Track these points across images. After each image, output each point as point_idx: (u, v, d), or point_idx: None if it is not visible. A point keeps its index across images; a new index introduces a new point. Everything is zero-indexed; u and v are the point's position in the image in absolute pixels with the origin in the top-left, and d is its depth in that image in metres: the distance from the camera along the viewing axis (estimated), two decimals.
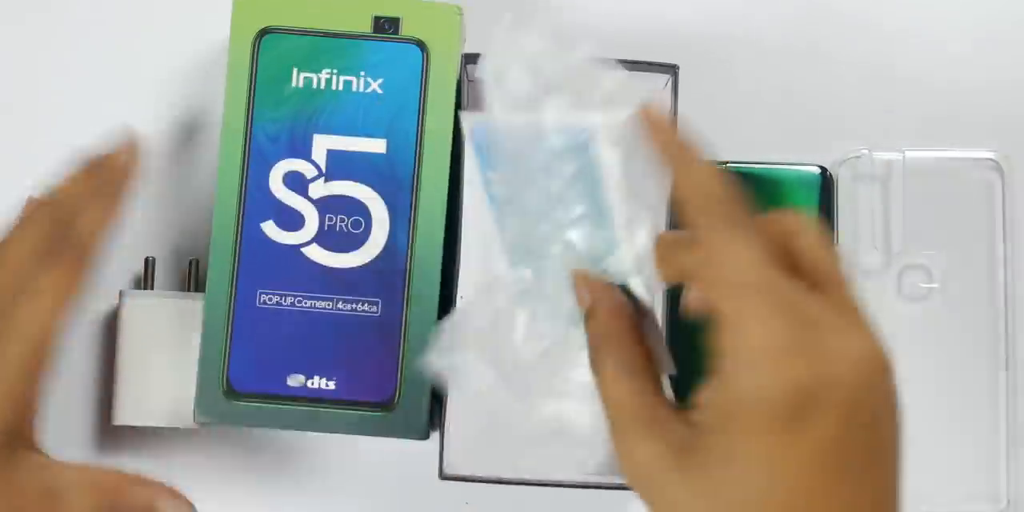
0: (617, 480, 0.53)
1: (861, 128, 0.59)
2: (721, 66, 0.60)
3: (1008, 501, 0.56)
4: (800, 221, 0.39)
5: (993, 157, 0.58)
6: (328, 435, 0.55)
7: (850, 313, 0.37)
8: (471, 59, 0.54)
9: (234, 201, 0.53)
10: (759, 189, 0.57)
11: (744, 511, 0.36)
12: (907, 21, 0.61)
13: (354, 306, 0.52)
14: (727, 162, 0.57)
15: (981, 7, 0.61)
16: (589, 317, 0.41)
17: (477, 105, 0.57)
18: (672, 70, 0.54)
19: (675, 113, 0.54)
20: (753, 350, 0.36)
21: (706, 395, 0.37)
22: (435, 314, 0.52)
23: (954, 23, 0.61)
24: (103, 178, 0.46)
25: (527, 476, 0.55)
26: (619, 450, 0.39)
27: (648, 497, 0.38)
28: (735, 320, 0.36)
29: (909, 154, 0.57)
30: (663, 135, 0.40)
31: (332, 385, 0.52)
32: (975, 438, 0.56)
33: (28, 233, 0.45)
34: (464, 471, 0.54)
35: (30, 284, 0.44)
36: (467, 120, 0.46)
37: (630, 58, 0.53)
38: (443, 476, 0.53)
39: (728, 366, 0.36)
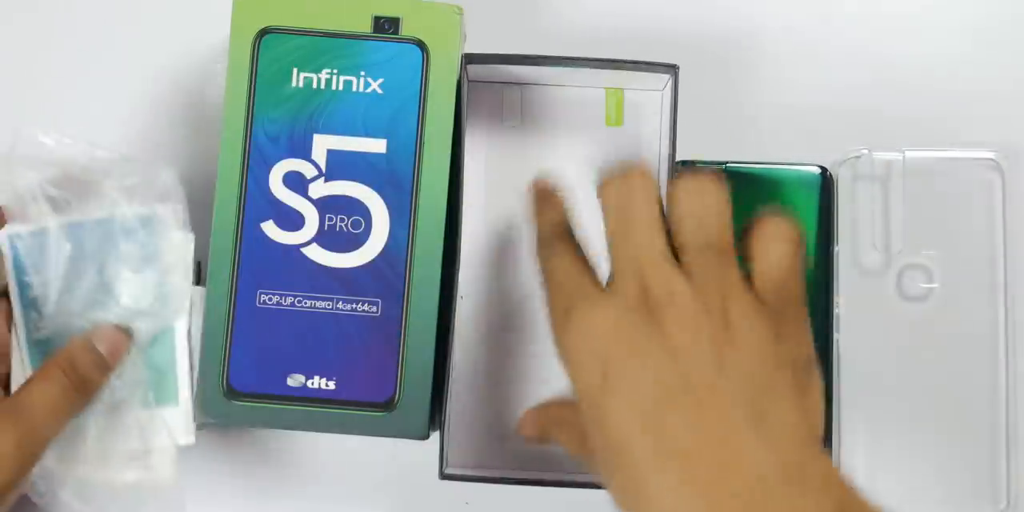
0: None
1: (861, 128, 0.59)
2: (722, 66, 0.60)
3: (1008, 502, 0.56)
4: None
5: (993, 157, 0.58)
6: (328, 435, 0.55)
7: (644, 269, 0.41)
8: (470, 59, 0.54)
9: (234, 201, 0.53)
10: (759, 189, 0.57)
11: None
12: (908, 21, 0.61)
13: (354, 306, 0.52)
14: (727, 162, 0.57)
15: (982, 7, 0.61)
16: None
17: (477, 105, 0.58)
18: (672, 70, 0.54)
19: (675, 113, 0.54)
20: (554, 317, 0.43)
21: None
22: (435, 314, 0.52)
23: (955, 23, 0.61)
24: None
25: (527, 476, 0.55)
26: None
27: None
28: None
29: (909, 154, 0.57)
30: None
31: (332, 385, 0.52)
32: (975, 438, 0.56)
33: None
34: (464, 471, 0.54)
35: None
36: (3, 232, 0.52)
37: (630, 58, 0.53)
38: (443, 476, 0.53)
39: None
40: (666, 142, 0.55)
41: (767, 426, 0.38)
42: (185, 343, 0.53)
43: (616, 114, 0.57)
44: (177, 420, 0.53)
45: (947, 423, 0.56)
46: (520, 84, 0.58)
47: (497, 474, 0.55)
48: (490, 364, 0.57)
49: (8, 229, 0.52)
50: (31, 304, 0.53)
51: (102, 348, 0.51)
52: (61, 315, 0.52)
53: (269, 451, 0.59)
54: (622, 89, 0.57)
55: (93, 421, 0.52)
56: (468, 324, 0.57)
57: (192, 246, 0.53)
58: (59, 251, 0.52)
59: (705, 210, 0.42)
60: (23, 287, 0.52)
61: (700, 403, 0.38)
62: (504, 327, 0.57)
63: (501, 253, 0.57)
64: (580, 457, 0.43)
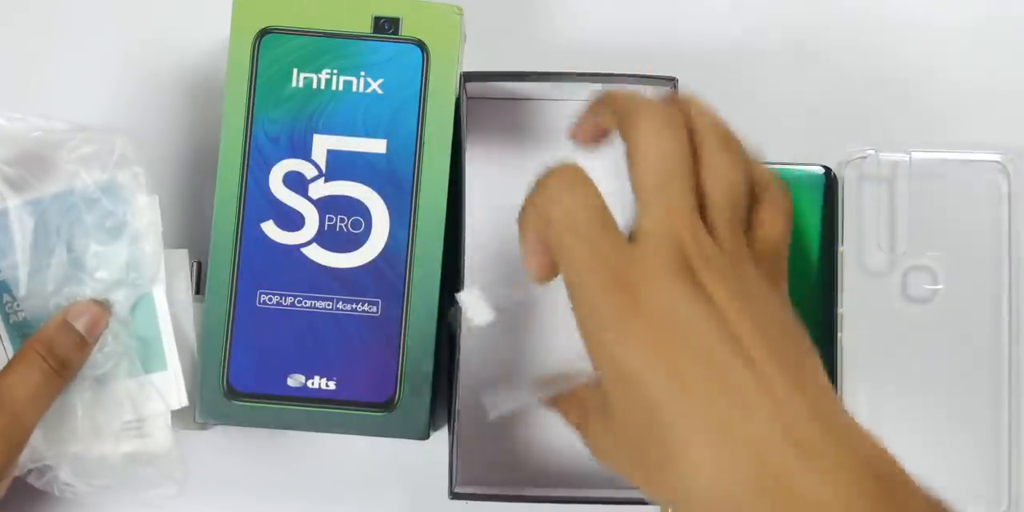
0: (622, 494, 0.53)
1: (867, 129, 0.59)
2: (728, 68, 0.60)
3: (1009, 503, 0.56)
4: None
5: (999, 159, 0.58)
6: (328, 436, 0.55)
7: (672, 221, 0.39)
8: (470, 77, 0.54)
9: (234, 201, 0.53)
10: None
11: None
12: (916, 22, 0.61)
13: (354, 306, 0.52)
14: None
15: (990, 8, 0.61)
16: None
17: (477, 121, 0.58)
18: (672, 83, 0.54)
19: None
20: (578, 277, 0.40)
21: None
22: (435, 314, 0.52)
23: (963, 25, 0.61)
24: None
25: (538, 493, 0.56)
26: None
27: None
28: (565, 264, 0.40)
29: (915, 155, 0.57)
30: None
31: (332, 385, 0.52)
32: (977, 439, 0.56)
33: None
34: (475, 490, 0.54)
35: None
36: None
37: (630, 72, 0.53)
38: (453, 496, 0.53)
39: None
40: None
41: (804, 381, 0.38)
42: (166, 308, 0.53)
43: None
44: (168, 385, 0.52)
45: (949, 424, 0.56)
46: (520, 100, 0.58)
47: (508, 492, 0.55)
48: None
49: None
50: (3, 287, 0.52)
51: (80, 325, 0.51)
52: (35, 296, 0.52)
53: (269, 451, 0.59)
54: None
55: (79, 398, 0.52)
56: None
57: (158, 209, 0.53)
58: (23, 230, 0.52)
59: (737, 174, 0.41)
60: None
61: (751, 362, 0.38)
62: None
63: (505, 270, 0.57)
64: (581, 430, 0.42)
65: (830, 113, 0.60)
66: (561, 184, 0.41)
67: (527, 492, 0.56)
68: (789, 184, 0.56)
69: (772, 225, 0.42)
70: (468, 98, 0.55)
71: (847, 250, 0.57)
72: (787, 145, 0.58)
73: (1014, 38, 0.61)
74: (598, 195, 0.41)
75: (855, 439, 0.38)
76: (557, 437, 0.56)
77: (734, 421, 0.37)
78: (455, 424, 0.53)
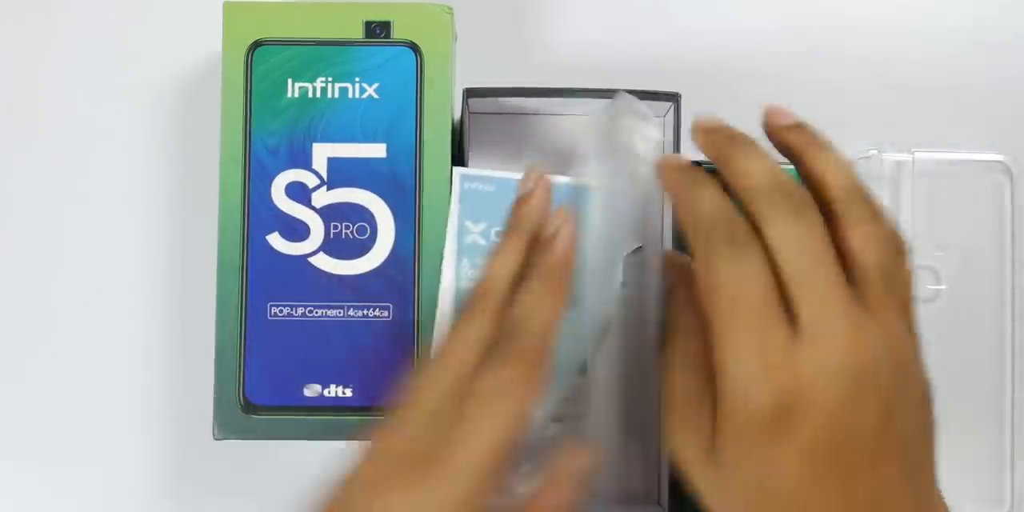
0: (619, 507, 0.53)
1: (871, 129, 0.59)
2: (728, 68, 0.60)
3: (1012, 503, 0.56)
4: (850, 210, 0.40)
5: (1002, 160, 0.58)
6: (327, 444, 0.55)
7: (841, 317, 0.37)
8: (472, 93, 0.54)
9: (238, 215, 0.53)
10: None
11: (747, 508, 0.38)
12: (919, 22, 0.61)
13: (365, 312, 0.52)
14: None
15: (994, 9, 0.61)
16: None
17: (478, 137, 0.58)
18: (674, 99, 0.54)
19: (677, 141, 0.54)
20: (738, 366, 0.37)
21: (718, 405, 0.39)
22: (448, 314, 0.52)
23: (966, 25, 0.61)
24: (541, 257, 0.44)
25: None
26: (667, 433, 0.41)
27: (686, 477, 0.40)
28: (724, 337, 0.38)
29: (919, 155, 0.58)
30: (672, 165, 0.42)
31: (349, 393, 0.52)
32: (980, 440, 0.57)
33: (471, 329, 0.42)
34: None
35: (477, 386, 0.40)
36: (457, 172, 0.51)
37: (633, 88, 0.53)
38: None
39: (720, 381, 0.38)
40: None
41: (913, 476, 0.38)
42: None
43: None
44: None
45: (952, 425, 0.56)
46: (521, 115, 0.58)
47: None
48: None
49: (465, 170, 0.52)
50: (463, 250, 0.51)
51: None
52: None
53: (270, 460, 0.58)
54: None
55: None
56: None
57: None
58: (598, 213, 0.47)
59: (894, 262, 0.39)
60: (463, 232, 0.51)
61: (870, 464, 0.37)
62: None
63: None
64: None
65: (832, 113, 0.59)
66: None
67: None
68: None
69: (908, 276, 0.40)
70: (471, 113, 0.55)
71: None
72: None
73: (1017, 39, 0.61)
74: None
75: None
76: None
77: None
78: None
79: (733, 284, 0.38)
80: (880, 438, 0.37)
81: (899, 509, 0.38)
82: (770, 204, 0.39)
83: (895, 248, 0.39)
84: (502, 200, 0.52)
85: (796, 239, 0.38)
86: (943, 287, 0.57)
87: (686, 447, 0.40)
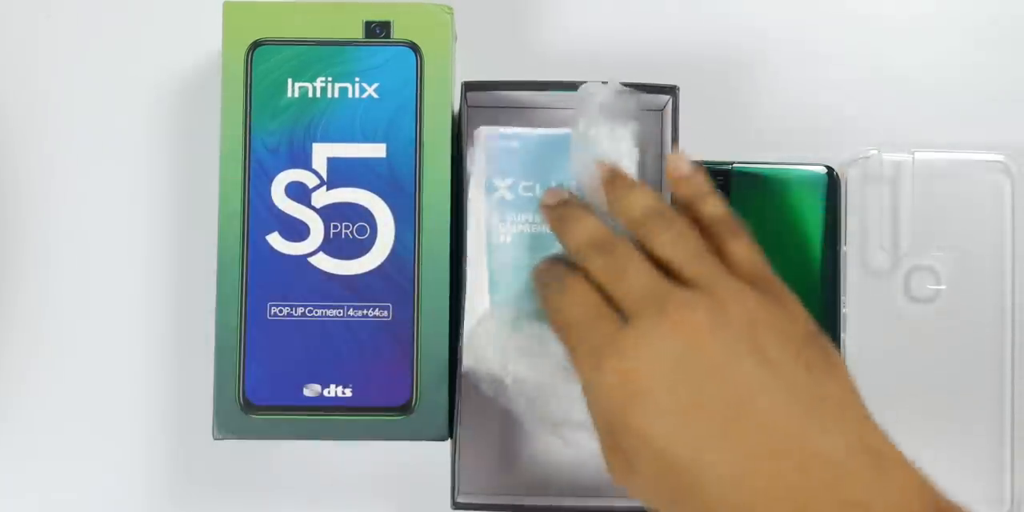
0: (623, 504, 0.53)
1: (871, 129, 0.59)
2: (728, 69, 0.60)
3: (1012, 503, 0.56)
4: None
5: (1002, 159, 0.58)
6: (326, 444, 0.55)
7: (658, 297, 0.42)
8: (471, 86, 0.54)
9: (238, 215, 0.53)
10: (766, 189, 0.57)
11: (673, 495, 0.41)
12: (920, 23, 0.61)
13: (365, 312, 0.52)
14: (733, 162, 0.57)
15: (994, 8, 0.61)
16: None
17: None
18: (672, 92, 0.54)
19: (676, 134, 0.54)
20: (583, 374, 0.43)
21: None
22: (447, 313, 0.52)
23: (967, 25, 0.61)
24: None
25: (544, 502, 0.56)
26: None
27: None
28: (573, 358, 0.44)
29: (919, 155, 0.57)
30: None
31: (348, 392, 0.52)
32: (980, 440, 0.56)
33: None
34: (478, 499, 0.54)
35: None
36: (483, 130, 0.52)
37: (631, 81, 0.53)
38: (455, 505, 0.52)
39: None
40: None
41: (826, 411, 0.40)
42: None
43: None
44: None
45: (952, 424, 0.56)
46: (519, 108, 0.58)
47: (510, 502, 0.55)
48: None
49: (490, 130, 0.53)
50: (503, 207, 0.53)
51: None
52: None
53: (271, 460, 0.58)
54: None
55: None
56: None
57: None
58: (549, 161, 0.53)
59: (669, 224, 0.45)
60: (492, 189, 0.53)
61: (766, 410, 0.39)
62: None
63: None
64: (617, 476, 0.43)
65: (833, 113, 0.60)
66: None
67: (529, 502, 0.56)
68: (791, 184, 0.57)
69: (741, 249, 0.45)
70: (469, 107, 0.55)
71: (850, 250, 0.57)
72: (790, 145, 0.59)
73: (1018, 38, 0.61)
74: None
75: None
76: (559, 446, 0.56)
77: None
78: (457, 434, 0.53)
79: (564, 312, 0.44)
80: (737, 378, 0.40)
81: (806, 440, 0.39)
82: (585, 253, 0.45)
83: (721, 236, 0.45)
84: (528, 154, 0.53)
85: (607, 268, 0.44)
86: (943, 287, 0.57)
87: (610, 471, 0.43)
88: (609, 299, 0.43)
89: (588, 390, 0.42)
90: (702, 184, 0.46)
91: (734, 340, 0.40)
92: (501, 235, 0.52)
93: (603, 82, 0.50)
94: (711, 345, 0.40)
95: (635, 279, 0.43)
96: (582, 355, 0.43)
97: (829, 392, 0.40)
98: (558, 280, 0.45)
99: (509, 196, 0.52)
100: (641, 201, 0.46)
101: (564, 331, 0.44)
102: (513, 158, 0.53)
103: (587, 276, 0.45)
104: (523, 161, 0.53)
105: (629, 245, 0.44)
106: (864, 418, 0.40)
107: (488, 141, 0.52)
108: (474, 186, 0.52)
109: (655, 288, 0.42)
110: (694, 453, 0.39)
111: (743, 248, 0.45)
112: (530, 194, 0.52)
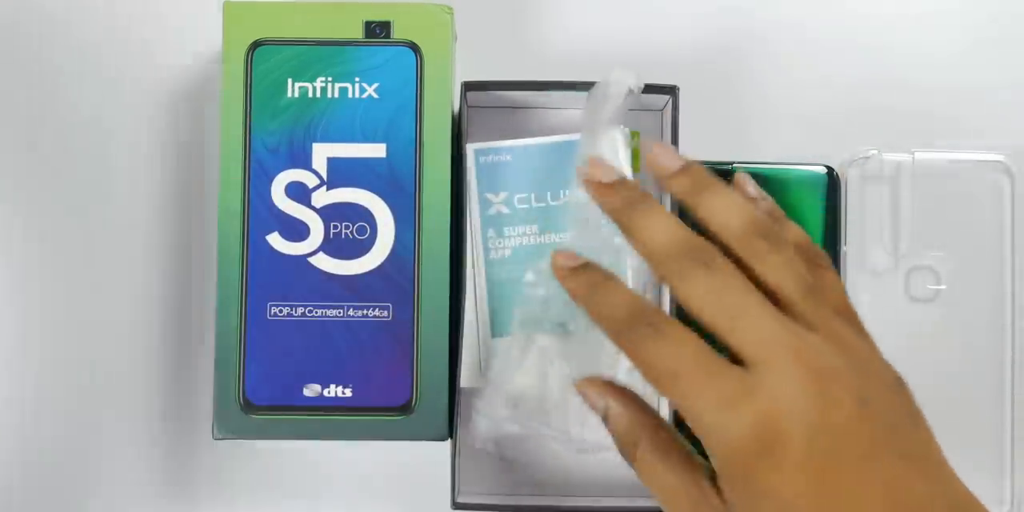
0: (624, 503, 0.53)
1: (871, 129, 0.59)
2: (728, 70, 0.60)
3: (1013, 503, 0.56)
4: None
5: (1002, 159, 0.58)
6: (328, 444, 0.55)
7: (781, 342, 0.38)
8: (470, 86, 0.54)
9: (238, 215, 0.53)
10: (766, 189, 0.56)
11: None
12: (918, 21, 0.61)
13: (365, 312, 0.52)
14: (733, 162, 0.57)
15: (994, 8, 0.61)
16: (608, 420, 0.42)
17: (477, 130, 0.58)
18: (672, 92, 0.54)
19: (675, 134, 0.54)
20: (705, 415, 0.38)
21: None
22: (447, 314, 0.52)
23: (967, 25, 0.61)
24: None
25: (545, 502, 0.56)
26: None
27: None
28: (683, 406, 0.39)
29: (918, 155, 0.57)
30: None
31: (348, 392, 0.52)
32: (980, 440, 0.56)
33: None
34: (478, 499, 0.54)
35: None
36: (470, 148, 0.52)
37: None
38: (455, 506, 0.52)
39: (699, 436, 0.38)
40: None
41: (928, 463, 0.39)
42: None
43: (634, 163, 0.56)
44: None
45: (952, 424, 0.56)
46: (519, 108, 0.59)
47: (510, 502, 0.55)
48: None
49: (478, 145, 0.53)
50: (494, 222, 0.53)
51: None
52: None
53: (283, 465, 0.58)
54: (639, 133, 0.56)
55: None
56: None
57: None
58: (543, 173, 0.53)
59: (812, 277, 0.41)
60: (484, 204, 0.53)
61: (868, 455, 0.38)
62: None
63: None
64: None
65: (833, 113, 0.60)
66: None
67: (529, 502, 0.56)
68: (791, 184, 0.57)
69: (836, 283, 0.42)
70: (468, 106, 0.55)
71: (850, 250, 0.57)
72: (790, 145, 0.59)
73: (1018, 38, 0.61)
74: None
75: None
76: (559, 447, 0.56)
77: None
78: (457, 434, 0.53)
79: (663, 362, 0.39)
80: (865, 430, 0.38)
81: (915, 494, 0.38)
82: (677, 266, 0.40)
83: (807, 264, 0.41)
84: (520, 166, 0.53)
85: (711, 293, 0.39)
86: (942, 287, 0.57)
87: (684, 490, 0.40)
88: (706, 327, 0.39)
89: (712, 431, 0.38)
90: (697, 181, 0.42)
91: (856, 388, 0.38)
92: (498, 250, 0.53)
93: (624, 77, 0.50)
94: (839, 394, 0.38)
95: (758, 319, 0.39)
96: (707, 402, 0.38)
97: (922, 438, 0.39)
98: (650, 325, 0.40)
99: (506, 210, 0.53)
100: (739, 210, 0.41)
101: (667, 381, 0.39)
102: (506, 171, 0.53)
103: (680, 297, 0.40)
104: (517, 173, 0.53)
105: (734, 269, 0.40)
106: (946, 463, 0.39)
107: (477, 157, 0.53)
108: (469, 202, 0.53)
109: (780, 331, 0.38)
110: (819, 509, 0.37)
111: (835, 280, 0.42)
112: (526, 206, 0.53)
